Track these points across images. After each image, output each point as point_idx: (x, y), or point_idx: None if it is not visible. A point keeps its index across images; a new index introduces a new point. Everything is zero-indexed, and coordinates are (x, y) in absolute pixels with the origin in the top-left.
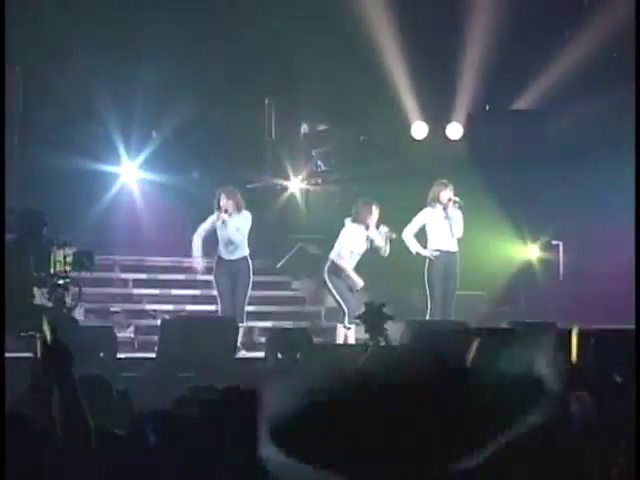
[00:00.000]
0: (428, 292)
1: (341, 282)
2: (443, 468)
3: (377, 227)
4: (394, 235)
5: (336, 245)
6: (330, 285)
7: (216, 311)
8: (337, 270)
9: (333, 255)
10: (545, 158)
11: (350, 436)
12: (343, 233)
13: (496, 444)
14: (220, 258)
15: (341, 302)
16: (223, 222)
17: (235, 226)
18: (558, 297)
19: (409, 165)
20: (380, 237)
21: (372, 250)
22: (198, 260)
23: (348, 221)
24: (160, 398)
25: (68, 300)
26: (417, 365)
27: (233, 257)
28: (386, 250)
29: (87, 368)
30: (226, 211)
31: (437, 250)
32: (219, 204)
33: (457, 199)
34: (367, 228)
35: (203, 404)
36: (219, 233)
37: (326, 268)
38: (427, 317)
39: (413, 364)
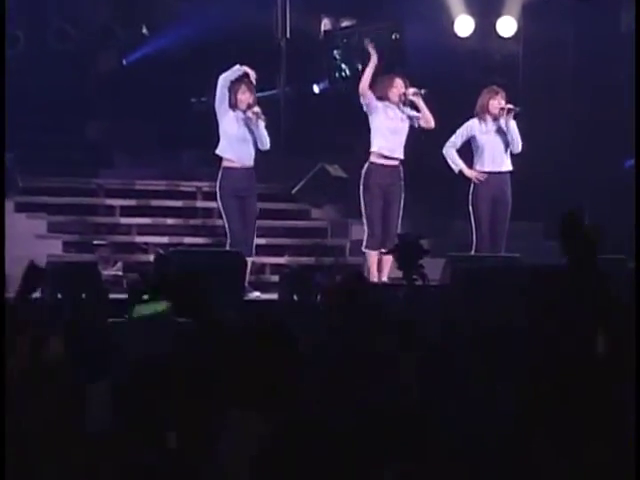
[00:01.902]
0: (473, 222)
1: (375, 198)
2: None
3: (403, 102)
4: (423, 91)
5: (372, 137)
6: (363, 197)
7: (222, 244)
8: (372, 173)
9: (373, 148)
10: (617, 55)
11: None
12: (371, 118)
13: None
14: (228, 168)
15: (365, 221)
16: (258, 117)
17: (262, 126)
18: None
19: (452, 68)
20: (411, 105)
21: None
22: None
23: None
24: (153, 347)
25: None
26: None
27: (244, 163)
28: (427, 116)
29: (69, 312)
30: (250, 105)
31: (485, 172)
32: (236, 97)
33: (511, 106)
34: (395, 103)
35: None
36: (233, 127)
37: (363, 173)
38: (472, 252)
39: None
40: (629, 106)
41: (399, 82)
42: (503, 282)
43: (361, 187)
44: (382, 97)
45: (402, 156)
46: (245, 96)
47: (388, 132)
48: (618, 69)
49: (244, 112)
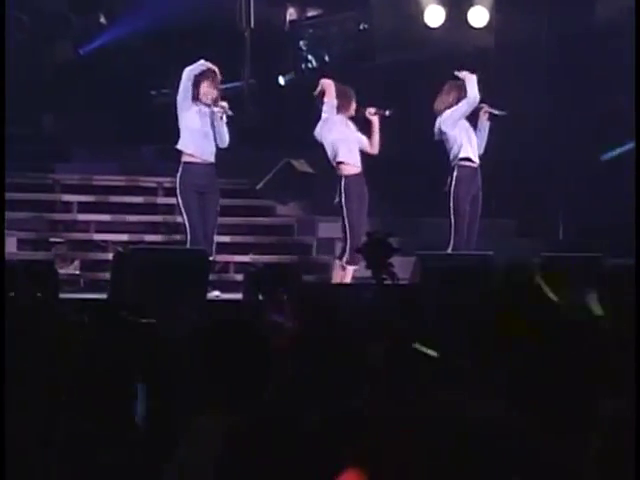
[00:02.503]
0: (453, 219)
1: (355, 200)
2: None
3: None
4: (388, 112)
5: (336, 150)
6: (344, 205)
7: (183, 242)
8: (351, 184)
9: (340, 157)
10: (593, 46)
11: None
12: (323, 132)
13: None
14: (188, 163)
15: (347, 229)
16: (224, 113)
17: (224, 123)
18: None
19: (421, 60)
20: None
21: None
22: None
23: (326, 114)
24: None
25: None
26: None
27: (206, 159)
28: (375, 141)
29: (23, 312)
30: (216, 100)
31: (466, 160)
32: (199, 90)
33: (497, 112)
34: (350, 116)
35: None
36: (195, 122)
37: (342, 184)
38: (449, 250)
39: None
40: (606, 99)
41: (352, 95)
42: (476, 280)
43: (343, 200)
44: (339, 110)
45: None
46: (209, 90)
47: (345, 143)
48: (595, 60)
49: (208, 106)
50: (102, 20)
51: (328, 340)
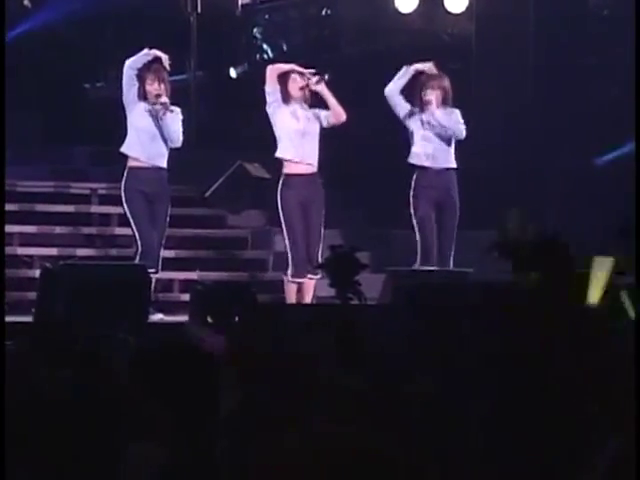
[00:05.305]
0: (417, 227)
1: (292, 202)
2: None
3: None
4: (327, 76)
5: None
6: (280, 208)
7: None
8: (289, 182)
9: (279, 153)
10: (582, 34)
11: None
12: (273, 120)
13: None
14: (134, 168)
15: (287, 239)
16: (166, 109)
17: (172, 120)
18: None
19: (392, 48)
20: (316, 109)
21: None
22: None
23: (273, 106)
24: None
25: None
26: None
27: (154, 163)
28: (336, 109)
29: None
30: (159, 96)
31: (425, 166)
32: (144, 86)
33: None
34: (298, 101)
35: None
36: (142, 121)
37: (280, 184)
38: (416, 265)
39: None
40: (601, 93)
41: (297, 75)
42: (452, 301)
43: (279, 203)
44: (283, 96)
45: (316, 162)
46: (154, 86)
47: (296, 135)
48: (584, 49)
49: (154, 104)
50: (26, 3)
51: (281, 368)
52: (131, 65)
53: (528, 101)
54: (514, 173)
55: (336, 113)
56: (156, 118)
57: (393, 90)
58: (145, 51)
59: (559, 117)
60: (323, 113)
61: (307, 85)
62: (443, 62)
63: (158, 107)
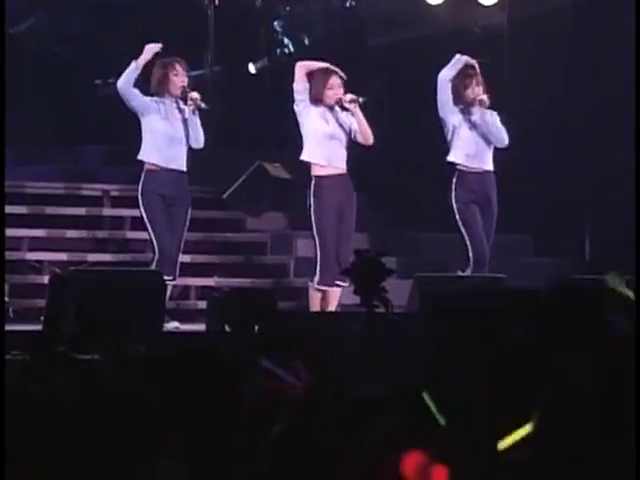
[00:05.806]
0: (464, 229)
1: (326, 205)
2: None
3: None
4: (362, 99)
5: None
6: (312, 212)
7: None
8: (322, 184)
9: (304, 156)
10: (627, 27)
11: None
12: (301, 120)
13: None
14: (151, 170)
15: (317, 244)
16: (196, 107)
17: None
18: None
19: (421, 41)
20: (347, 113)
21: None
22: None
23: (301, 105)
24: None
25: None
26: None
27: (173, 167)
28: (365, 130)
29: None
30: (185, 90)
31: (467, 162)
32: (167, 79)
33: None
34: (330, 107)
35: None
36: (159, 123)
37: (312, 185)
38: (464, 272)
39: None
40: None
41: (336, 82)
42: (483, 309)
43: (312, 205)
44: (316, 98)
45: (344, 166)
46: (176, 80)
47: (324, 138)
48: (628, 44)
49: (175, 102)
50: None
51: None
52: (138, 64)
53: (563, 97)
54: (549, 175)
55: (365, 136)
56: (181, 117)
57: (446, 76)
58: (149, 46)
59: (600, 114)
60: (354, 124)
61: (340, 100)
62: (472, 56)
63: (189, 103)
